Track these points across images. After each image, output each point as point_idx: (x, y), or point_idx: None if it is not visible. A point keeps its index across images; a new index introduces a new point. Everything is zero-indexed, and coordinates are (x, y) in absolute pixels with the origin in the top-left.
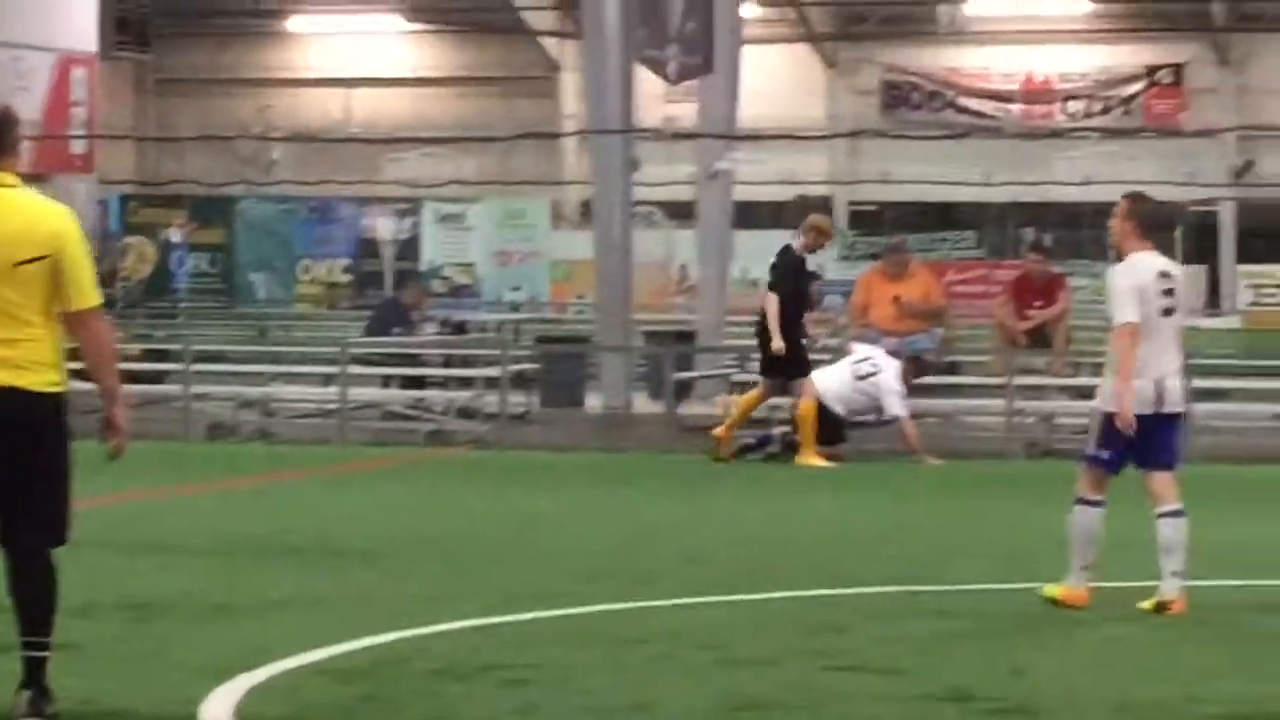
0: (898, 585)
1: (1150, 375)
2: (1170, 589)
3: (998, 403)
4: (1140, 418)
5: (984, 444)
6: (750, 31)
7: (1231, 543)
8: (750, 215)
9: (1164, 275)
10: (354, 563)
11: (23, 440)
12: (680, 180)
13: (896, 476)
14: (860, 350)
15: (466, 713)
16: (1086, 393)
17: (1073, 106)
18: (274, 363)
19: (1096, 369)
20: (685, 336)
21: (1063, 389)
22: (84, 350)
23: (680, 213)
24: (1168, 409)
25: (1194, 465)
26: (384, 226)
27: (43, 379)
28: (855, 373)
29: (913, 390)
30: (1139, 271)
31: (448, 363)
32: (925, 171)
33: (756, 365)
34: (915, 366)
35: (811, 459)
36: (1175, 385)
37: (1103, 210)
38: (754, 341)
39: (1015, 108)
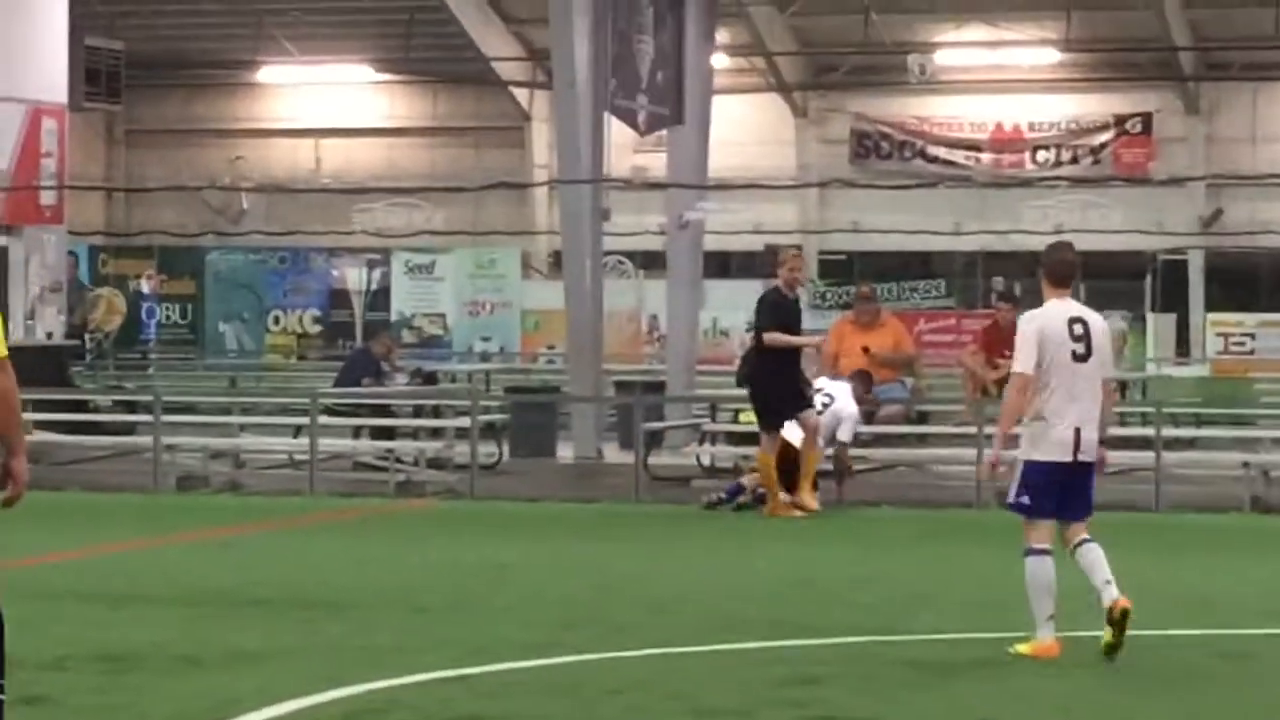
0: (869, 635)
1: (1069, 422)
2: (1110, 595)
3: (968, 452)
4: (1060, 465)
5: (954, 493)
6: (720, 81)
7: (1197, 591)
8: (720, 265)
9: (1075, 321)
10: (324, 614)
11: None
12: (650, 230)
13: (867, 526)
14: (816, 383)
15: None
16: None
17: (1042, 156)
18: (244, 414)
19: None
20: (656, 386)
21: None
22: None
23: (650, 262)
24: (1083, 457)
25: (1162, 514)
26: (354, 277)
27: None
28: None
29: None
30: (1043, 319)
31: (418, 413)
32: (895, 221)
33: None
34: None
35: (781, 510)
36: (1093, 435)
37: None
38: (723, 392)
39: (985, 157)
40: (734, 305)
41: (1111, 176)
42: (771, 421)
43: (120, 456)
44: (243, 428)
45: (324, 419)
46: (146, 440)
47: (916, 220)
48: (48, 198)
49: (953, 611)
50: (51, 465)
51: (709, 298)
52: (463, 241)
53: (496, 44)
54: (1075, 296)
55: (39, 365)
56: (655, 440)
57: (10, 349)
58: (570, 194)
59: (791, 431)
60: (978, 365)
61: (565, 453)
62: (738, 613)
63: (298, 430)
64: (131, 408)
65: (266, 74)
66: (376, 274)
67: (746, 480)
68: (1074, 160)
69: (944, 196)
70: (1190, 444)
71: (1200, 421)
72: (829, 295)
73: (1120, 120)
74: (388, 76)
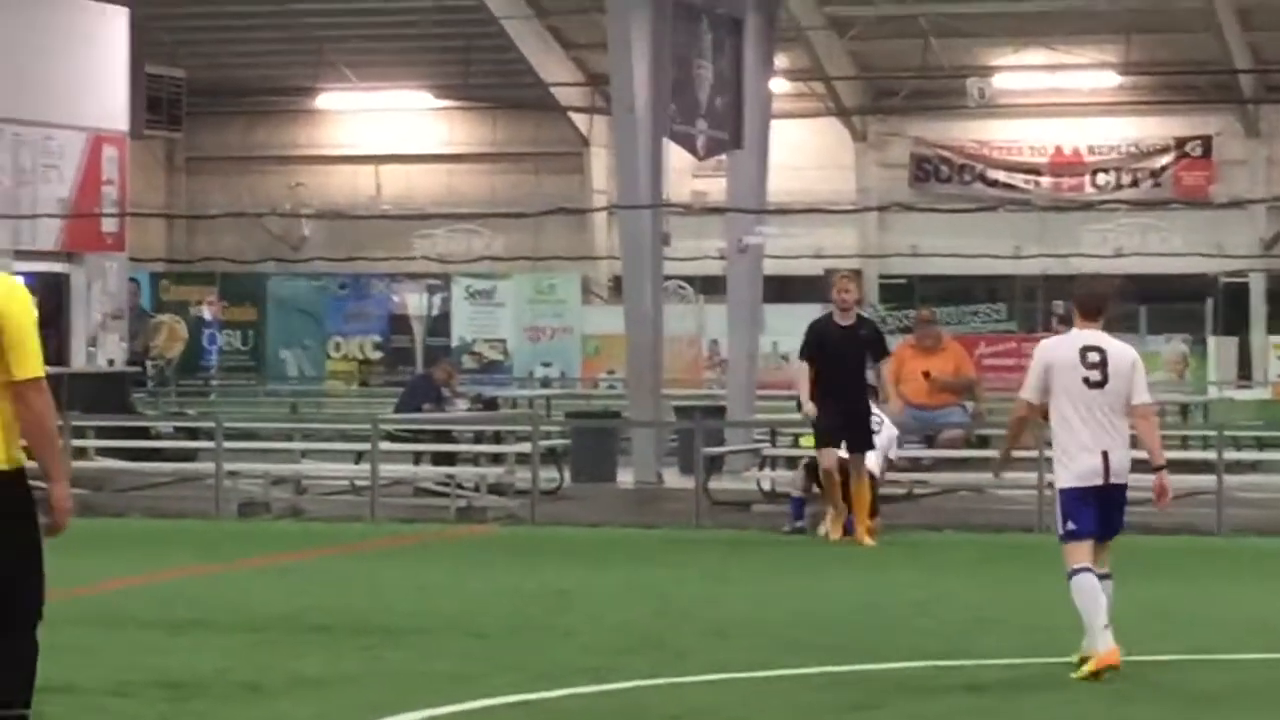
0: (929, 660)
1: (1097, 448)
2: (1101, 644)
3: (1029, 476)
4: (1092, 489)
5: (1016, 517)
6: (779, 106)
7: (1260, 615)
8: (780, 289)
9: (1089, 350)
10: (385, 640)
11: None
12: (710, 255)
13: (928, 550)
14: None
15: None
16: None
17: (1102, 179)
18: (305, 440)
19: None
20: (716, 411)
21: None
22: (21, 424)
23: (710, 287)
24: (1115, 480)
25: (1223, 538)
26: (414, 302)
27: None
28: None
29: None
30: (1054, 349)
31: (479, 439)
32: (955, 244)
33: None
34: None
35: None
36: (1123, 457)
37: (1132, 282)
38: (784, 416)
39: (1045, 180)
40: (794, 330)
41: (1172, 199)
42: (818, 442)
43: (182, 483)
44: (304, 454)
45: (385, 445)
46: (208, 466)
47: (976, 244)
48: (109, 225)
49: (1014, 636)
50: (113, 492)
51: (769, 322)
52: (523, 267)
53: (555, 69)
54: (1135, 319)
55: (101, 392)
56: (715, 465)
57: (72, 375)
58: (630, 219)
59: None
60: None
61: (626, 478)
62: (798, 638)
63: (359, 456)
64: (193, 434)
65: (326, 101)
66: (437, 300)
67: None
68: (1134, 183)
69: (1004, 220)
70: (1252, 467)
71: (1262, 445)
72: (889, 319)
73: (1180, 143)
74: (447, 103)
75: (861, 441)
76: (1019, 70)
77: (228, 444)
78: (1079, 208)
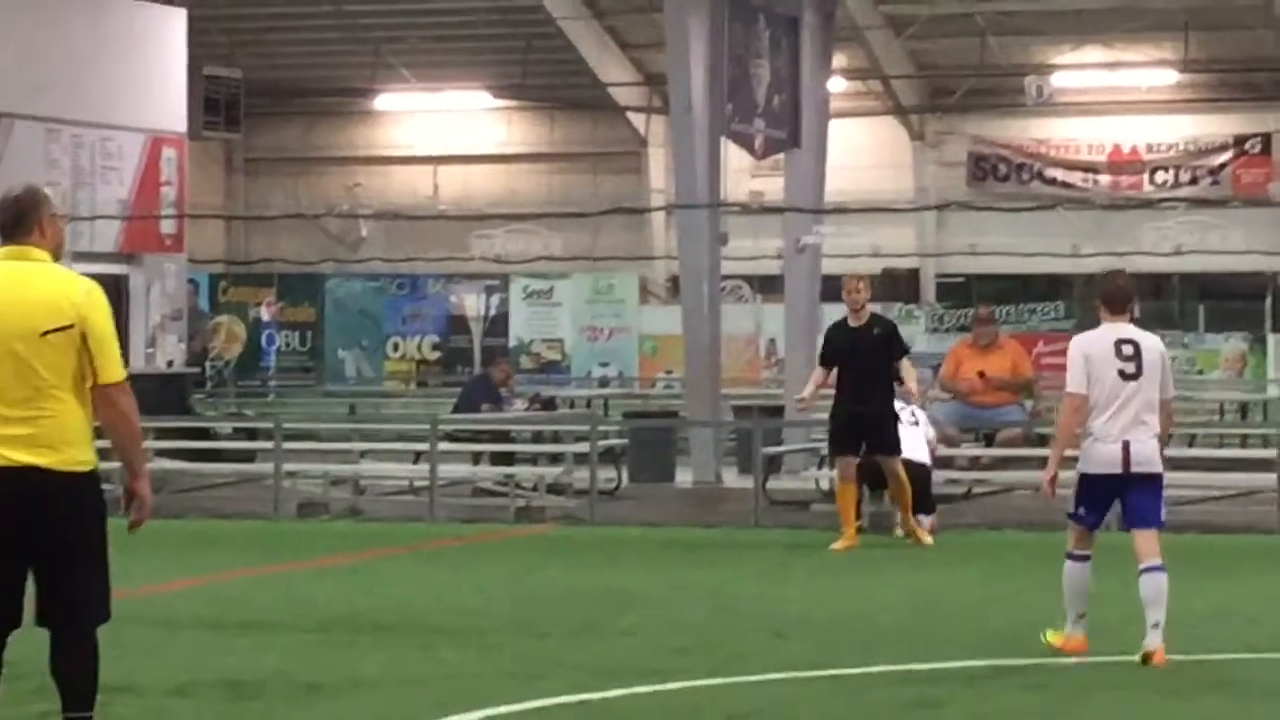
0: (990, 659)
1: (1116, 438)
2: (1152, 641)
3: None
4: (1109, 477)
5: None
6: (837, 105)
7: None
8: (838, 289)
9: (1123, 343)
10: (444, 640)
11: (50, 522)
12: (768, 254)
13: (988, 549)
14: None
15: None
16: (1177, 463)
17: (1161, 177)
18: (364, 440)
19: (1189, 440)
20: (774, 410)
21: None
22: (108, 426)
23: (768, 287)
24: (1137, 469)
25: None
26: (472, 303)
27: (69, 458)
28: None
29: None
30: (1090, 342)
31: (537, 439)
32: (1013, 243)
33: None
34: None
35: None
36: (1145, 447)
37: (1191, 280)
38: None
39: (1103, 178)
40: None
41: (1231, 197)
42: (830, 449)
43: (241, 483)
44: (363, 454)
45: (443, 445)
46: (267, 467)
47: (1034, 242)
48: (168, 226)
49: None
50: (173, 493)
51: (826, 321)
52: (581, 267)
53: (613, 69)
54: (1194, 318)
55: (160, 393)
56: (774, 465)
57: (131, 377)
58: (687, 219)
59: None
60: None
61: (684, 477)
62: (858, 637)
63: (417, 456)
64: (252, 435)
65: (384, 101)
66: (495, 300)
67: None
68: (1193, 181)
69: (1062, 218)
70: None
71: None
72: (946, 318)
73: (1240, 140)
74: (505, 103)
75: (885, 444)
76: (1077, 68)
77: (286, 444)
78: (1137, 206)
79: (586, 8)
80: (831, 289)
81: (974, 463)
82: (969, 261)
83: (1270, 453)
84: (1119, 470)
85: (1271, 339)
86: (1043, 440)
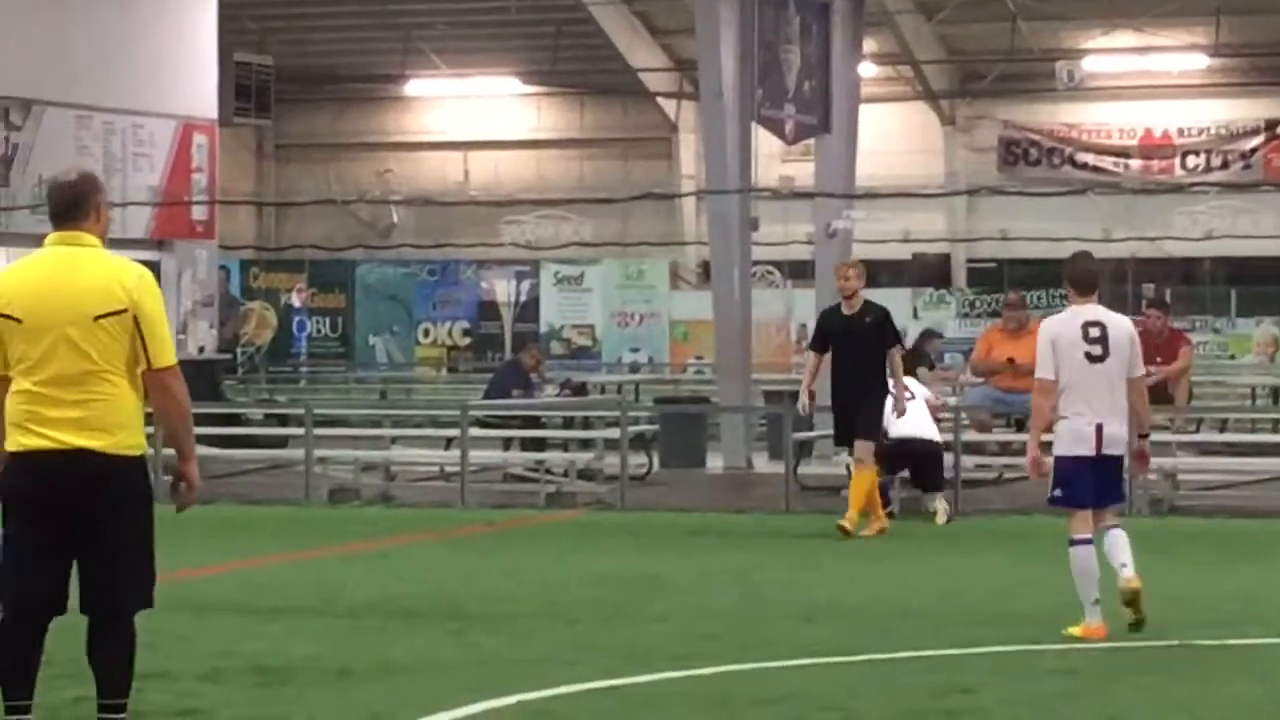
0: (1020, 644)
1: (1090, 419)
2: (1125, 576)
3: None
4: (1085, 458)
5: None
6: (867, 90)
7: None
8: (869, 274)
9: (1090, 325)
10: (475, 626)
11: (98, 505)
12: (798, 239)
13: (1016, 534)
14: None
15: None
16: (1210, 449)
17: (1192, 161)
18: (395, 426)
19: (1221, 425)
20: None
21: (1185, 445)
22: (159, 410)
23: (798, 272)
24: (1108, 451)
25: None
26: (503, 289)
27: (120, 441)
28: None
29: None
30: (1058, 326)
31: (568, 424)
32: (1044, 228)
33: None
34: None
35: (862, 528)
36: (1116, 430)
37: (1222, 264)
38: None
39: (1134, 163)
40: None
41: (1262, 181)
42: (836, 442)
43: (272, 469)
44: (393, 440)
45: (474, 431)
46: (298, 453)
47: (1065, 227)
48: (199, 213)
49: (1107, 619)
50: (204, 479)
51: None
52: (611, 252)
53: (643, 55)
54: (1226, 302)
55: (191, 379)
56: (805, 450)
57: None
58: (718, 204)
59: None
60: None
61: (715, 463)
62: (887, 622)
63: (448, 442)
64: (283, 421)
65: (414, 87)
66: (525, 286)
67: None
68: (1224, 165)
69: (1093, 203)
70: None
71: None
72: (978, 303)
73: (1271, 125)
74: (535, 89)
75: (862, 427)
76: (1108, 53)
77: (317, 430)
78: (1168, 190)
79: None
80: None
81: (1004, 448)
82: (1000, 247)
83: None
84: (1092, 452)
85: None
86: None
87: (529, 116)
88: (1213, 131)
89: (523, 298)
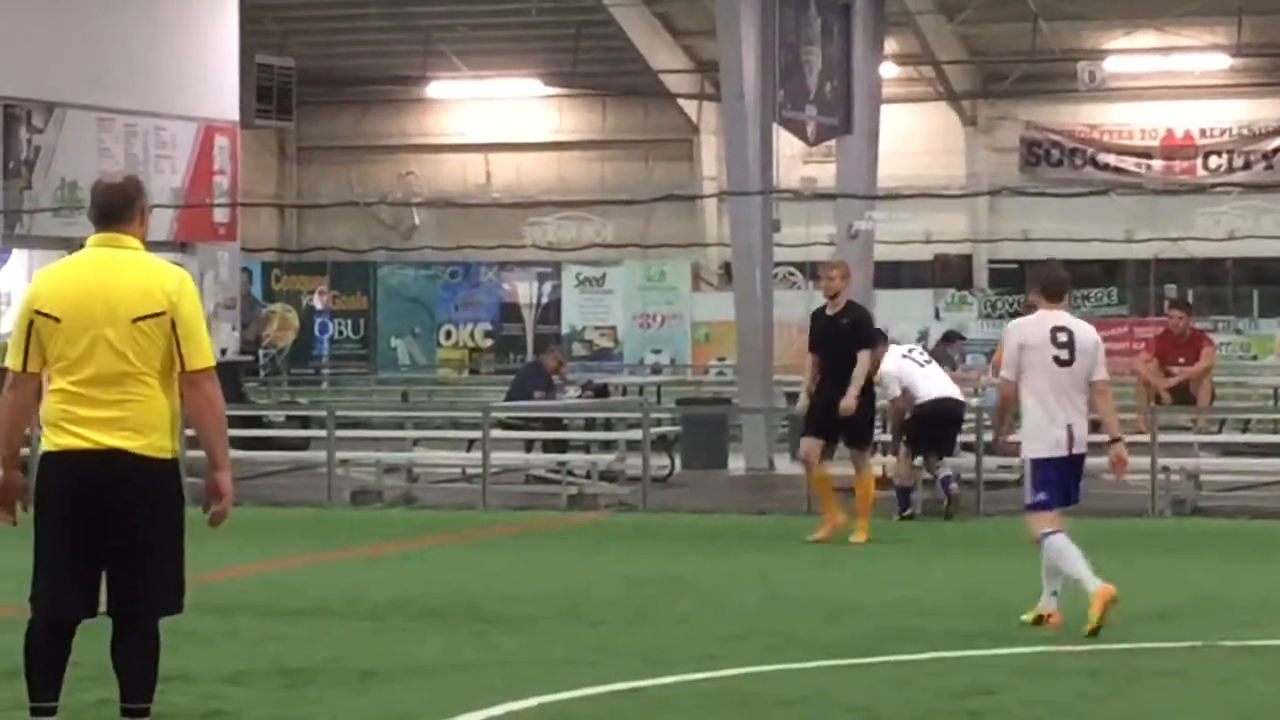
0: (1042, 645)
1: (1060, 421)
2: (1048, 608)
3: (1142, 460)
4: (1056, 460)
5: (1128, 502)
6: (888, 91)
7: None
8: (891, 275)
9: (1058, 330)
10: (498, 627)
11: (130, 507)
12: (820, 240)
13: None
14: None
15: None
16: (1232, 449)
17: (1214, 161)
18: (416, 428)
19: (1243, 426)
20: None
21: (1207, 446)
22: (194, 413)
23: (820, 273)
24: (1077, 450)
25: None
26: (525, 290)
27: (153, 443)
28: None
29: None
30: (1024, 329)
31: (589, 426)
32: (1066, 229)
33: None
34: None
35: (861, 536)
36: (1082, 430)
37: (1245, 265)
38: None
39: (1156, 163)
40: (904, 315)
41: None
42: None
43: (294, 471)
44: (415, 442)
45: (496, 432)
46: (320, 455)
47: (1087, 228)
48: (221, 215)
49: (1128, 620)
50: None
51: (879, 308)
52: (633, 254)
53: (664, 57)
54: (1249, 301)
55: None
56: (827, 451)
57: None
58: (740, 205)
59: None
60: (1151, 373)
61: (736, 464)
62: (910, 623)
63: (470, 444)
64: (305, 423)
65: (436, 89)
66: (547, 287)
67: (914, 493)
68: (1246, 166)
69: (1115, 204)
70: None
71: None
72: (999, 304)
73: None
74: (556, 90)
75: (853, 436)
76: (1130, 53)
77: (340, 432)
78: (1191, 191)
79: None
80: (884, 275)
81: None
82: (1021, 247)
83: None
84: (1065, 452)
85: None
86: (1094, 426)
87: (550, 118)
88: (1235, 132)
89: (544, 299)
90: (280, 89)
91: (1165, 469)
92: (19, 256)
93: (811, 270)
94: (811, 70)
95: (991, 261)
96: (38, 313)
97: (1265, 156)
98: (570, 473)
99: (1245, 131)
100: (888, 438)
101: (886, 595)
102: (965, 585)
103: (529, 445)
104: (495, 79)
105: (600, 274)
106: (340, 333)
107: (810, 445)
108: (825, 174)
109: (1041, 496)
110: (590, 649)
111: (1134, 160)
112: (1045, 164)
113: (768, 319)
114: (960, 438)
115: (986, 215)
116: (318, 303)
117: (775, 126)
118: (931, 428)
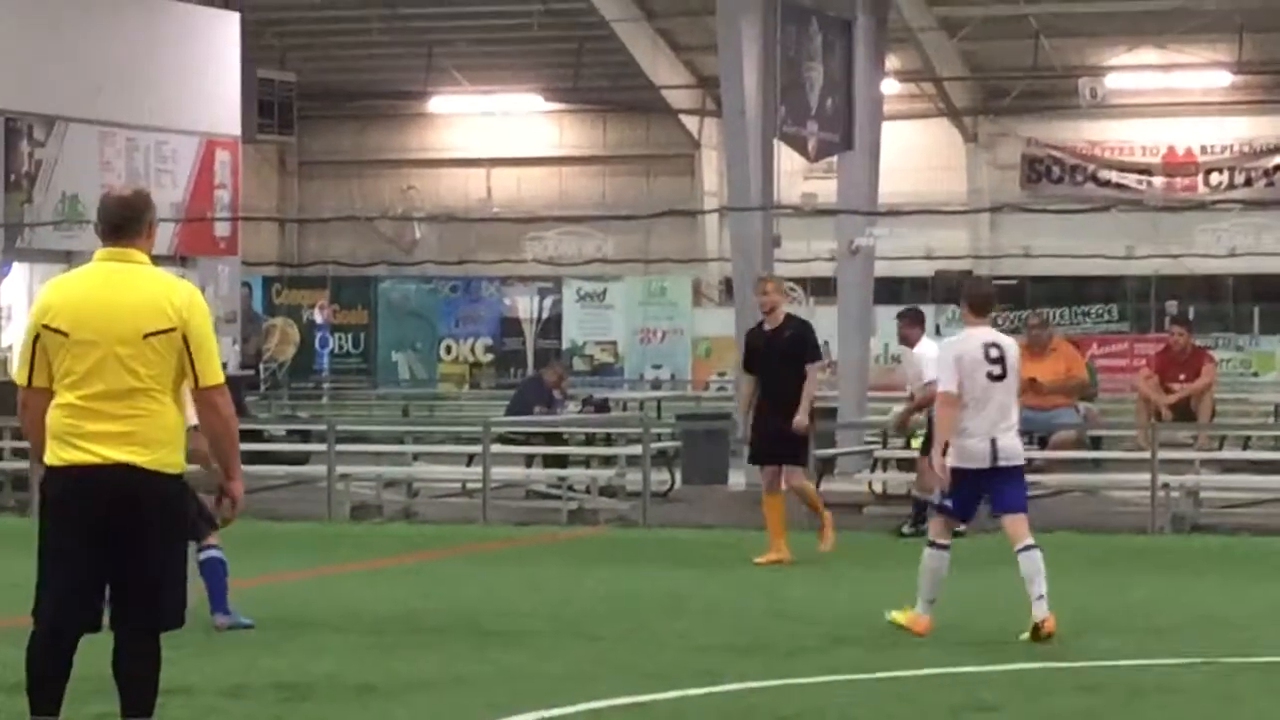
0: (1043, 661)
1: (984, 434)
2: (1039, 611)
3: (1142, 477)
4: (979, 471)
5: (1128, 518)
6: (890, 107)
7: None
8: (891, 291)
9: (991, 346)
10: (497, 642)
11: (135, 521)
12: (821, 256)
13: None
14: None
15: None
16: (1232, 466)
17: (1215, 178)
18: (417, 442)
19: (1244, 443)
20: (827, 413)
21: (1208, 463)
22: (207, 427)
23: (821, 289)
24: (1003, 462)
25: None
26: (525, 305)
27: (161, 458)
28: None
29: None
30: (960, 345)
31: (590, 441)
32: (1067, 245)
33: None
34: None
35: (829, 540)
36: (1010, 442)
37: (1245, 281)
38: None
39: (1157, 180)
40: None
41: None
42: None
43: (294, 485)
44: (416, 457)
45: (496, 447)
46: (320, 469)
47: (1088, 244)
48: (222, 229)
49: (1129, 637)
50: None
51: (880, 324)
52: (634, 269)
53: (666, 72)
54: (1249, 318)
55: None
56: (827, 467)
57: None
58: (740, 221)
59: None
60: (1151, 390)
61: (737, 480)
62: (911, 639)
63: (470, 459)
64: (305, 437)
65: (437, 104)
66: (548, 302)
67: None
68: (1247, 183)
69: (1116, 220)
70: None
71: None
72: (1000, 321)
73: None
74: (558, 105)
75: (785, 454)
76: (1131, 70)
77: (340, 447)
78: (1192, 208)
79: (639, 10)
80: (885, 291)
81: (1028, 465)
82: (1023, 264)
83: None
84: (988, 464)
85: None
86: (1097, 443)
87: (551, 133)
88: (1236, 149)
89: (545, 314)
90: (282, 103)
91: (1165, 486)
92: (20, 270)
93: (813, 286)
94: (813, 86)
95: (993, 278)
96: (45, 327)
97: (1266, 173)
98: (570, 488)
99: (1246, 148)
100: (909, 454)
101: (888, 610)
102: (966, 601)
103: (529, 460)
104: (497, 94)
105: (601, 289)
106: (341, 347)
107: (768, 474)
108: (826, 190)
109: (948, 503)
110: (590, 664)
111: (1135, 177)
112: (1046, 180)
113: None
114: None
115: (988, 232)
116: (318, 317)
117: (776, 142)
118: None
